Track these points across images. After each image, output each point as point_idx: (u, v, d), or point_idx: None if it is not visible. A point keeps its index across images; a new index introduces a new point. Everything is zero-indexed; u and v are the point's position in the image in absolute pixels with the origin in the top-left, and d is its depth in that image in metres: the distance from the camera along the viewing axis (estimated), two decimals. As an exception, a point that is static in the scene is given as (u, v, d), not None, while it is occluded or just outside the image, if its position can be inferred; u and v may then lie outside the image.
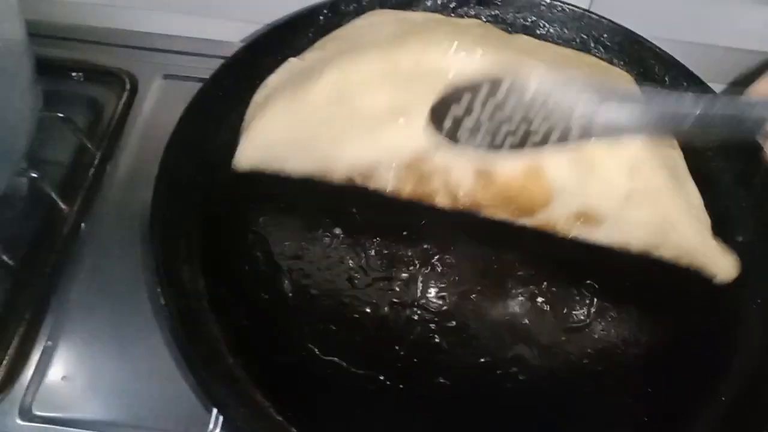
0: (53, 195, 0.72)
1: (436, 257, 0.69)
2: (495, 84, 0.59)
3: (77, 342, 0.66)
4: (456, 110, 0.62)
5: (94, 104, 0.80)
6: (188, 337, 0.60)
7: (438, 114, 0.63)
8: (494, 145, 0.62)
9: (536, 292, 0.67)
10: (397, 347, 0.64)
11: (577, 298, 0.67)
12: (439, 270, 0.68)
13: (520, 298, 0.67)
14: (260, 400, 0.60)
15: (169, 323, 0.60)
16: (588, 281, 0.68)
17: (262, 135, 0.68)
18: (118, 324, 0.67)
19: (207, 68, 0.75)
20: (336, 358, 0.62)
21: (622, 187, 0.65)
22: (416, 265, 0.68)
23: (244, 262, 0.67)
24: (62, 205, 0.72)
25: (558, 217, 0.67)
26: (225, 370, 0.60)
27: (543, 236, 0.69)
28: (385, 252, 0.69)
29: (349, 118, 0.66)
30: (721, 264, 0.66)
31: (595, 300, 0.67)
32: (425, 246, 0.69)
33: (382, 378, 0.62)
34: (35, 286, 0.68)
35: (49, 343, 0.66)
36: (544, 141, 0.61)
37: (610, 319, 0.66)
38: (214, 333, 0.62)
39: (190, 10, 0.82)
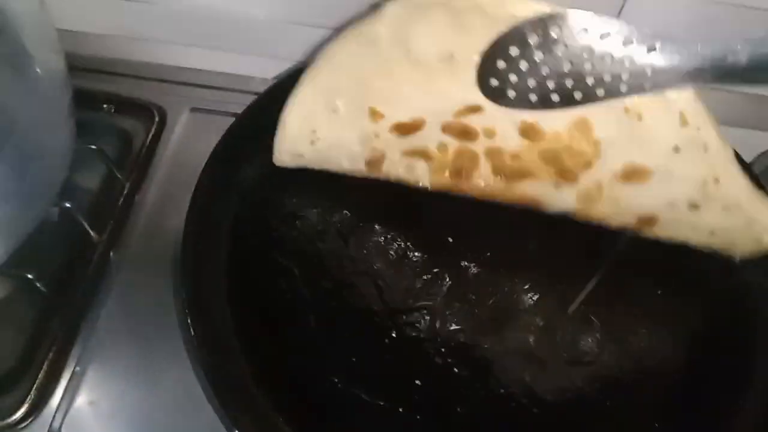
0: (84, 223, 0.73)
1: (454, 289, 0.70)
2: (545, 31, 0.58)
3: (105, 368, 0.67)
4: (503, 64, 0.60)
5: (124, 135, 0.82)
6: (215, 367, 0.62)
7: (485, 69, 0.61)
8: (542, 100, 0.60)
9: (551, 324, 0.69)
10: (416, 380, 0.65)
11: (589, 331, 0.69)
12: (457, 304, 0.70)
13: (535, 331, 0.69)
14: (283, 429, 0.61)
15: (197, 353, 0.62)
16: (599, 312, 0.69)
17: (320, 79, 0.68)
18: (147, 351, 0.68)
19: (233, 102, 0.80)
20: (356, 390, 0.64)
21: (671, 138, 0.63)
22: (435, 297, 0.70)
23: (270, 293, 0.69)
24: (92, 234, 0.74)
25: (603, 176, 0.65)
26: (250, 401, 0.62)
27: (557, 268, 0.70)
28: (405, 283, 0.71)
29: (403, 61, 0.65)
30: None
31: (604, 332, 0.68)
32: (443, 278, 0.71)
33: (401, 410, 0.63)
34: (66, 312, 0.69)
35: (78, 368, 0.67)
36: (592, 94, 0.59)
37: (622, 352, 0.68)
38: (240, 363, 0.64)
39: (219, 46, 0.84)
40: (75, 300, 0.70)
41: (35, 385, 0.65)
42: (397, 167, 0.69)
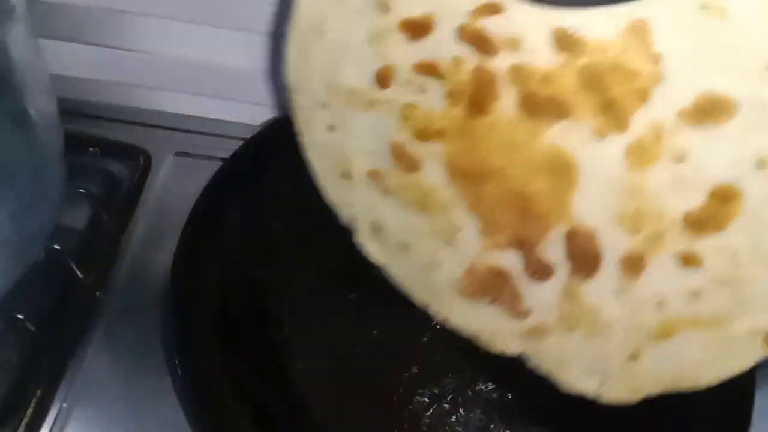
0: (72, 264, 0.75)
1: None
2: None
3: (93, 406, 0.68)
4: None
5: (110, 178, 0.83)
6: (201, 408, 0.62)
7: None
8: None
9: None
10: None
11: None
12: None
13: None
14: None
15: (183, 393, 0.63)
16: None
17: None
18: (134, 389, 0.69)
19: (217, 147, 0.82)
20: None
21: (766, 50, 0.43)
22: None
23: (257, 340, 0.70)
24: (79, 274, 0.75)
25: (664, 114, 0.47)
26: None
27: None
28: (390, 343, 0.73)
29: None
30: None
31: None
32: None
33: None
34: (53, 351, 0.70)
35: (65, 405, 0.67)
36: None
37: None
38: (227, 405, 0.64)
39: (204, 92, 0.88)
40: (63, 339, 0.71)
41: (23, 422, 0.65)
42: (408, 88, 0.56)
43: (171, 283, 0.67)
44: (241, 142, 0.77)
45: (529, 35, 0.49)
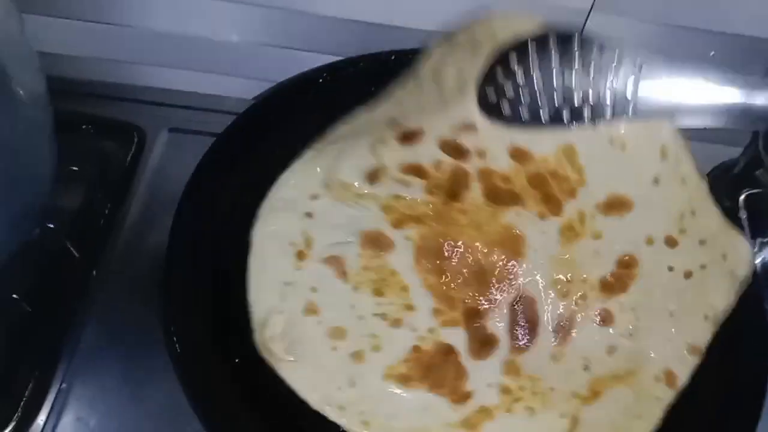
0: (67, 243, 0.76)
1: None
2: (543, 47, 0.59)
3: (91, 384, 0.69)
4: (502, 78, 0.60)
5: (104, 156, 0.84)
6: (196, 382, 0.63)
7: (485, 83, 0.61)
8: (533, 117, 0.61)
9: None
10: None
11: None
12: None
13: None
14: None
15: (181, 371, 0.63)
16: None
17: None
18: (131, 368, 0.70)
19: (210, 122, 0.80)
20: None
21: (651, 170, 0.66)
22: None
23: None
24: (75, 253, 0.76)
25: (586, 205, 0.66)
26: (233, 414, 0.63)
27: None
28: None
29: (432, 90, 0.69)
30: (741, 248, 0.67)
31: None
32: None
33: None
34: (50, 330, 0.71)
35: (64, 385, 0.69)
36: (579, 114, 0.59)
37: None
38: (222, 378, 0.65)
39: (197, 67, 0.87)
40: (59, 319, 0.73)
41: (22, 403, 0.67)
42: (395, 182, 0.69)
43: (166, 261, 0.67)
44: (234, 117, 0.76)
45: (493, 148, 0.67)
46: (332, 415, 0.61)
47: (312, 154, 0.73)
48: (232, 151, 0.74)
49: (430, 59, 0.70)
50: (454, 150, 0.67)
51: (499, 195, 0.67)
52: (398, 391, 0.63)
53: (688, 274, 0.66)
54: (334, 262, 0.68)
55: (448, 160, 0.67)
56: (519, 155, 0.67)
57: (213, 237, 0.71)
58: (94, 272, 0.77)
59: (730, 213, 0.73)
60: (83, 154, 0.83)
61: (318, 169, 0.71)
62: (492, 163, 0.67)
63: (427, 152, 0.68)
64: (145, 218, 0.81)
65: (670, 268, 0.67)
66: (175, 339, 0.63)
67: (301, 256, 0.68)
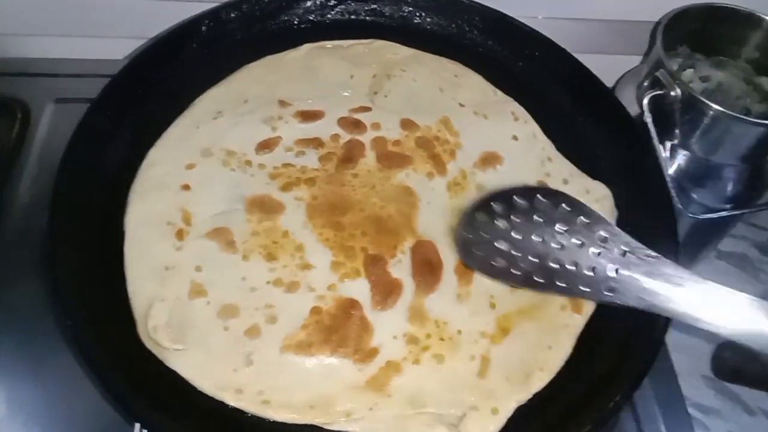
0: None
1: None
2: (530, 202, 0.51)
3: None
4: (484, 218, 0.52)
5: None
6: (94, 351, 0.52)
7: (465, 219, 0.53)
8: (503, 271, 0.52)
9: None
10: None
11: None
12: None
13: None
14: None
15: (75, 341, 0.53)
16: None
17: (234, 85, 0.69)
18: (28, 349, 0.61)
19: (97, 89, 0.66)
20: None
21: (510, 129, 0.69)
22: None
23: None
24: None
25: (465, 164, 0.66)
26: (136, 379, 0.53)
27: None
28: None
29: (312, 78, 0.70)
30: (597, 185, 0.66)
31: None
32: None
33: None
34: None
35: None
36: (551, 282, 0.50)
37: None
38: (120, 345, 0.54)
39: (72, 32, 0.72)
40: None
41: None
42: (286, 151, 0.65)
43: (48, 229, 0.56)
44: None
45: (386, 121, 0.68)
46: (229, 399, 0.52)
47: (183, 124, 0.64)
48: (110, 112, 0.64)
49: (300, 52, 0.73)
50: (351, 125, 0.68)
51: (391, 157, 0.66)
52: (298, 360, 0.54)
53: None
54: (219, 234, 0.59)
55: (345, 134, 0.67)
56: (407, 125, 0.69)
57: (97, 200, 0.60)
58: (-17, 257, 0.64)
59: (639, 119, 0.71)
60: (-35, 137, 0.69)
61: (195, 138, 0.63)
62: (385, 133, 0.68)
63: (326, 128, 0.68)
64: (36, 194, 0.69)
65: None
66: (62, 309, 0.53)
67: (180, 235, 0.59)
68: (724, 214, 0.75)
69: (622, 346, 0.57)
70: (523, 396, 0.55)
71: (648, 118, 0.71)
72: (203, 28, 0.71)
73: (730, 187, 0.76)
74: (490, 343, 0.57)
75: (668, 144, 0.74)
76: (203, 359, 0.52)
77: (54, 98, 0.74)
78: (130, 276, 0.55)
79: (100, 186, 0.60)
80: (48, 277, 0.56)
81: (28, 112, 0.72)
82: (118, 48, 0.75)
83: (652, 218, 0.64)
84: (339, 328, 0.55)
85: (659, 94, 0.71)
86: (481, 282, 0.59)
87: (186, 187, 0.60)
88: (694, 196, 0.75)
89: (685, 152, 0.74)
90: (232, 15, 0.72)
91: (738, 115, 0.69)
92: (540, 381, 0.56)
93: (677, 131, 0.73)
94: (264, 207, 0.60)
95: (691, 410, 0.65)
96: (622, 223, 0.63)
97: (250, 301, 0.55)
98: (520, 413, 0.54)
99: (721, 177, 0.75)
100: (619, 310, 0.56)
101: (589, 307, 0.59)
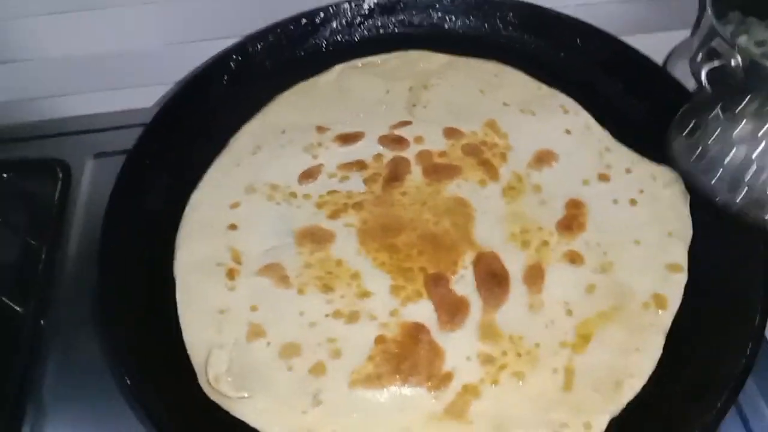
0: (6, 299, 0.62)
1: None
2: None
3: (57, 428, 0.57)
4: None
5: (31, 199, 0.70)
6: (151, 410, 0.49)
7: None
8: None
9: None
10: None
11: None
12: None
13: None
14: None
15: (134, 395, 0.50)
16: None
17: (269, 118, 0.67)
18: (90, 409, 0.57)
19: (133, 139, 0.65)
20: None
21: (561, 123, 0.66)
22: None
23: None
24: (17, 308, 0.63)
25: (518, 166, 0.63)
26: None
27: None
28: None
29: (347, 98, 0.69)
30: (662, 170, 0.62)
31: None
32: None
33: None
34: (7, 390, 0.58)
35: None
36: None
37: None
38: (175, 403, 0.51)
39: (102, 86, 0.72)
40: (14, 376, 0.58)
41: None
42: (330, 178, 0.62)
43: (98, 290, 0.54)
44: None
45: (428, 133, 0.65)
46: (302, 444, 0.50)
47: (223, 163, 0.62)
48: (148, 162, 0.63)
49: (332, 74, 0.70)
50: (393, 141, 0.65)
51: (438, 170, 0.63)
52: (369, 395, 0.50)
53: (632, 202, 0.61)
54: (271, 270, 0.56)
55: (387, 152, 0.64)
56: (451, 133, 0.65)
57: (143, 250, 0.58)
58: (42, 322, 0.62)
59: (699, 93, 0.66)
60: (10, 203, 0.69)
61: (237, 176, 0.61)
62: (429, 145, 0.65)
63: (367, 149, 0.65)
64: (85, 251, 0.66)
65: (615, 201, 0.62)
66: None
67: (232, 275, 0.56)
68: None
69: (718, 342, 0.52)
70: (616, 407, 0.50)
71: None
72: (231, 63, 0.69)
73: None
74: (572, 353, 0.52)
75: (727, 115, 0.68)
76: (270, 404, 0.49)
77: (92, 153, 0.72)
78: (185, 324, 0.53)
79: (147, 235, 0.59)
80: (102, 333, 0.55)
81: (69, 170, 0.70)
82: (151, 96, 0.74)
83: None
84: (408, 356, 0.51)
85: (718, 66, 0.65)
86: (553, 289, 0.55)
87: (233, 227, 0.58)
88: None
89: (750, 125, 0.70)
90: (259, 46, 0.71)
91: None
92: (631, 389, 0.51)
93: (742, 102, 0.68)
94: (314, 238, 0.57)
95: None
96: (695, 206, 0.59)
97: (311, 338, 0.52)
98: (616, 426, 0.49)
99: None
100: (709, 302, 0.52)
101: (674, 302, 0.54)
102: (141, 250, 0.58)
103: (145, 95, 0.74)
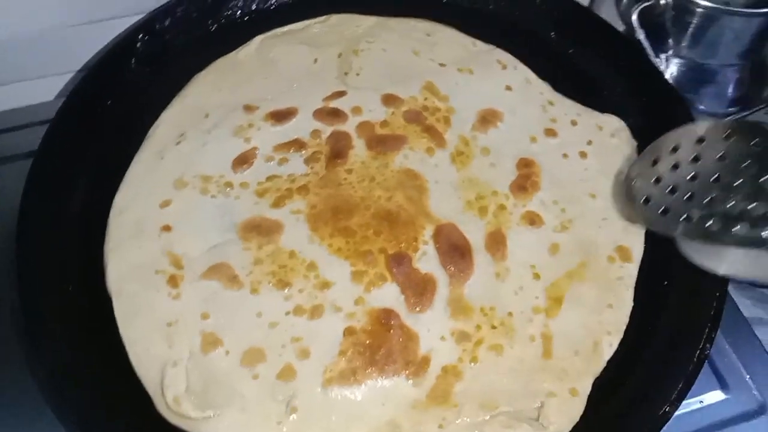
0: None
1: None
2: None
3: None
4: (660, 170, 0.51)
5: None
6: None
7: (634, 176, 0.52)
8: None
9: None
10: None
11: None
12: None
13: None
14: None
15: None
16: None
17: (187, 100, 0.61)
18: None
19: (38, 138, 0.57)
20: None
21: (501, 80, 0.63)
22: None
23: None
24: None
25: (464, 129, 0.60)
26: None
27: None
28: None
29: (270, 72, 0.64)
30: (607, 118, 0.61)
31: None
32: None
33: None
34: None
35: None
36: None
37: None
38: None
39: None
40: None
41: None
42: (269, 163, 0.57)
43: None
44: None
45: (366, 102, 0.61)
46: (282, 457, 0.46)
47: (144, 157, 0.56)
48: (57, 170, 0.56)
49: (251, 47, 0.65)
50: (330, 115, 0.60)
51: (383, 141, 0.59)
52: (346, 392, 0.46)
53: (582, 154, 0.60)
54: (218, 270, 0.51)
55: (325, 127, 0.60)
56: (390, 100, 0.61)
57: (69, 282, 0.51)
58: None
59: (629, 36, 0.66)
60: None
61: (162, 170, 0.55)
62: (368, 115, 0.61)
63: (303, 126, 0.60)
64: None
65: (565, 155, 0.60)
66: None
67: (174, 281, 0.50)
68: (732, 118, 0.70)
69: (688, 288, 0.51)
70: (598, 367, 0.49)
71: (641, 34, 0.66)
72: (138, 44, 0.62)
73: (731, 89, 0.71)
74: (547, 318, 0.50)
75: (662, 56, 0.69)
76: (240, 419, 0.44)
77: (-7, 157, 0.66)
78: (130, 343, 0.47)
79: (69, 248, 0.52)
80: (35, 365, 0.49)
81: (-36, 180, 0.63)
82: (52, 88, 0.67)
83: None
84: (381, 345, 0.48)
85: (648, 5, 0.65)
86: (517, 253, 0.53)
87: (166, 228, 0.52)
88: (700, 106, 0.70)
89: (680, 61, 0.69)
90: (167, 22, 0.64)
91: (736, 9, 0.64)
92: (610, 346, 0.50)
93: (670, 41, 0.69)
94: (260, 230, 0.52)
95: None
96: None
97: (273, 340, 0.47)
98: (599, 387, 0.48)
99: (722, 80, 0.71)
100: (672, 251, 0.51)
101: (637, 253, 0.53)
102: (64, 265, 0.51)
103: (45, 87, 0.67)
